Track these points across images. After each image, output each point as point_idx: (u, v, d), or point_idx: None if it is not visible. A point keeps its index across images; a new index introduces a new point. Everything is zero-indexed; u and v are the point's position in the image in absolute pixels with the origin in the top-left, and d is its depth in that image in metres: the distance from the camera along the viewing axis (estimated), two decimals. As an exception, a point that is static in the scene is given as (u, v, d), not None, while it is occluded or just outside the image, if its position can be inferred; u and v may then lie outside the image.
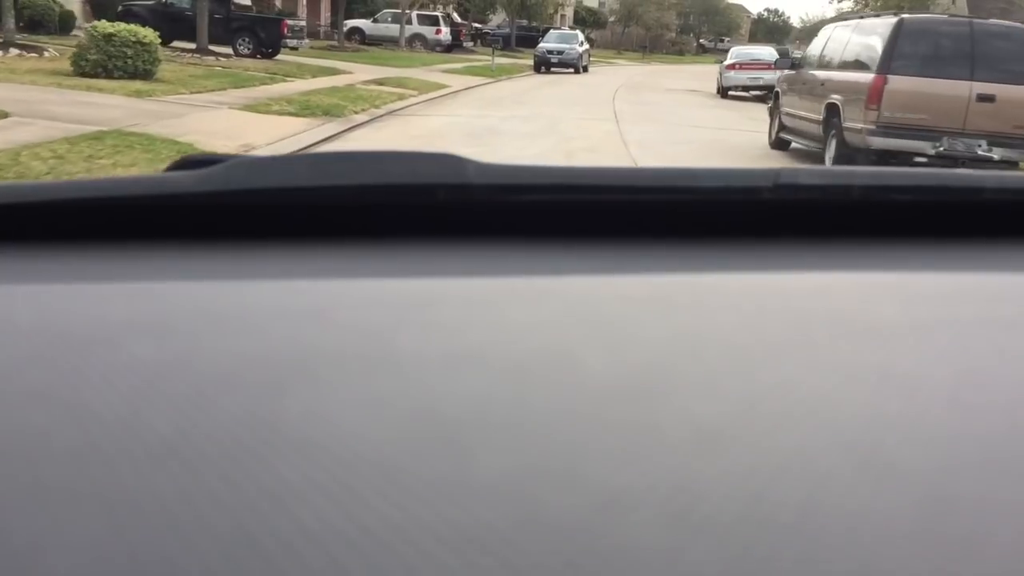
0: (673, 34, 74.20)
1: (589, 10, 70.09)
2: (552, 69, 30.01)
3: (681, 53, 73.41)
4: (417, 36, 35.25)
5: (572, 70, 30.06)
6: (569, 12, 65.49)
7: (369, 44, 33.75)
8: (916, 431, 0.44)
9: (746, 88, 23.80)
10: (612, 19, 67.67)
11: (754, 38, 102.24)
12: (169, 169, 0.83)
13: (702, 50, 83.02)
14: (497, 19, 51.33)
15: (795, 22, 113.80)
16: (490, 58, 27.72)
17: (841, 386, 0.49)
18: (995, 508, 0.38)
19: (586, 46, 32.10)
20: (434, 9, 42.69)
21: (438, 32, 35.86)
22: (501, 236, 0.75)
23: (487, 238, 0.75)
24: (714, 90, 25.01)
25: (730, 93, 23.80)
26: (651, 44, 63.04)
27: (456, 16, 46.78)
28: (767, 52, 24.70)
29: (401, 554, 0.35)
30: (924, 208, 0.79)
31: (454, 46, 37.28)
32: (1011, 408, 0.47)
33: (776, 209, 0.77)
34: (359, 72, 19.45)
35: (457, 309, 0.60)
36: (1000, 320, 0.61)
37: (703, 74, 34.27)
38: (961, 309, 0.63)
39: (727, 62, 24.93)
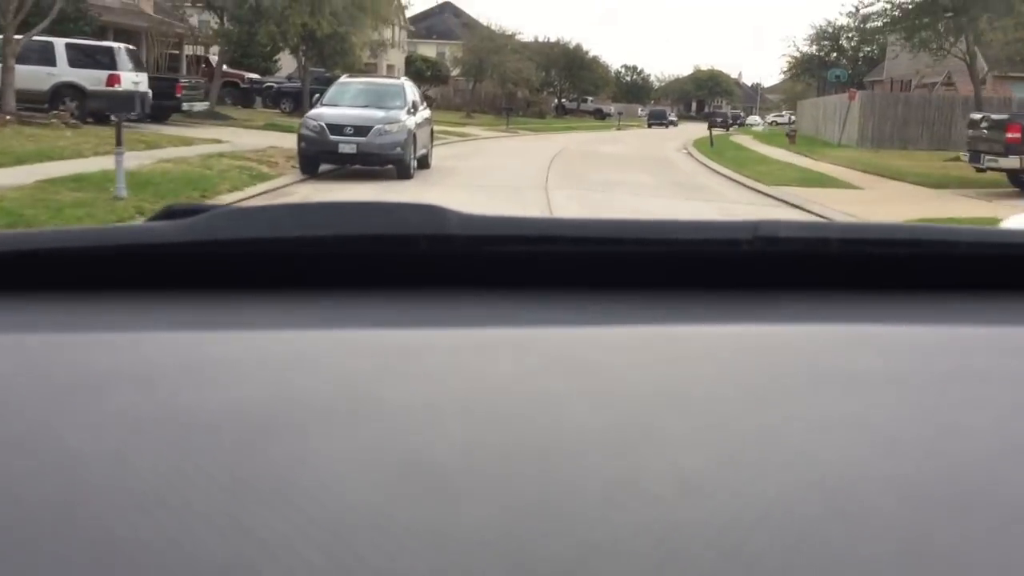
0: (528, 92, 59.84)
1: (427, 60, 54.58)
2: (347, 168, 14.21)
3: (541, 115, 59.28)
4: (66, 89, 18.56)
5: (393, 168, 14.19)
6: (398, 59, 49.58)
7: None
8: (893, 482, 0.44)
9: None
10: (456, 72, 52.19)
11: (616, 99, 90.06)
12: (153, 219, 0.83)
13: (563, 111, 69.30)
14: (291, 66, 34.72)
15: (652, 80, 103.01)
16: (217, 141, 14.17)
17: (820, 437, 0.49)
18: (970, 558, 0.39)
19: (423, 113, 16.10)
20: (179, 48, 26.24)
21: (113, 81, 18.70)
22: (483, 286, 0.76)
23: (469, 288, 0.76)
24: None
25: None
26: (507, 104, 48.01)
27: (214, 59, 30.37)
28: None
29: None
30: (901, 261, 0.81)
31: (167, 109, 20.85)
32: (986, 459, 0.48)
33: (755, 261, 0.78)
34: None
35: (440, 359, 0.60)
36: (975, 372, 0.61)
37: (647, 147, 22.53)
38: (937, 361, 0.64)
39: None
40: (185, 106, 21.72)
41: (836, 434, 0.50)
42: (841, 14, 52.20)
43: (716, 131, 66.53)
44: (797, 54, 56.64)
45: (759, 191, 15.00)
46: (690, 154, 28.09)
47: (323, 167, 14.17)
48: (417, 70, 53.29)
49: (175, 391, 0.54)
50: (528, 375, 0.57)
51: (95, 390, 0.54)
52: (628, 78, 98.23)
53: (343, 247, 0.76)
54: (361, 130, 13.71)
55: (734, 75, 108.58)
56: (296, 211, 0.79)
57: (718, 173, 19.48)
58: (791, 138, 30.31)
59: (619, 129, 54.13)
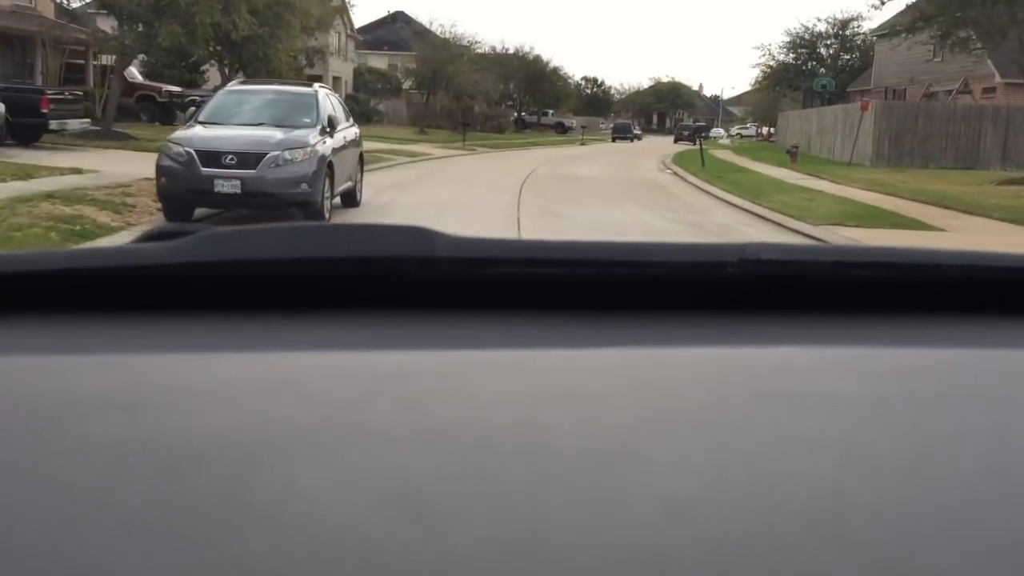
0: (487, 106, 55.86)
1: (376, 72, 50.25)
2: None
3: (500, 129, 55.24)
4: None
5: (298, 211, 9.67)
6: (345, 71, 45.17)
7: None
8: (876, 505, 0.44)
9: None
10: (408, 85, 47.94)
11: (577, 112, 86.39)
12: (140, 240, 0.82)
13: (523, 125, 65.33)
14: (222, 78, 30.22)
15: (613, 92, 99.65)
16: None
17: (804, 460, 0.49)
18: None
19: (346, 131, 11.49)
20: (84, 58, 21.90)
21: None
22: (470, 309, 0.76)
23: (456, 311, 0.76)
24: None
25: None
26: (464, 119, 43.93)
27: (136, 72, 25.94)
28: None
29: None
30: (885, 284, 0.81)
31: (33, 128, 16.39)
32: (969, 483, 0.48)
33: (740, 284, 0.79)
34: None
35: (427, 382, 0.60)
36: (958, 395, 0.62)
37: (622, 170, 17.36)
38: (920, 384, 0.64)
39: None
40: (54, 124, 17.20)
41: (820, 458, 0.50)
42: (821, 20, 48.49)
43: (682, 145, 63.38)
44: (773, 63, 52.94)
45: (809, 235, 10.85)
46: (676, 175, 24.02)
47: (202, 210, 9.85)
48: (366, 83, 48.94)
49: (161, 415, 0.53)
50: (515, 399, 0.57)
51: (81, 413, 0.54)
52: (589, 90, 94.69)
53: (330, 269, 0.76)
54: (248, 159, 9.28)
55: (695, 87, 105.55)
56: (282, 233, 0.79)
57: (731, 204, 15.37)
58: (792, 156, 26.30)
59: (583, 144, 50.55)
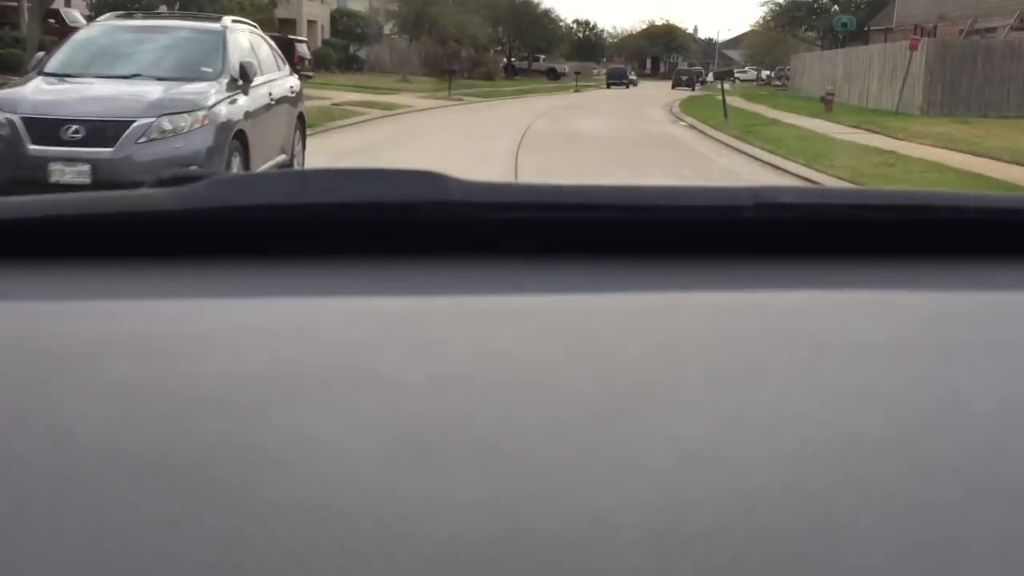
0: (475, 51, 52.12)
1: (355, 15, 46.37)
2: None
3: (489, 76, 51.61)
4: None
5: None
6: (321, 14, 41.37)
7: None
8: (897, 450, 0.44)
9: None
10: (390, 29, 44.17)
11: (569, 57, 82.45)
12: (152, 186, 0.83)
13: (513, 72, 61.57)
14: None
15: (605, 36, 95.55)
16: None
17: (823, 405, 0.49)
18: (976, 527, 0.38)
19: (275, 85, 7.94)
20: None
21: None
22: (484, 254, 0.76)
23: (470, 256, 0.76)
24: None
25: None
26: (450, 65, 40.38)
27: (79, 15, 22.47)
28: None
29: (386, 574, 0.35)
30: (904, 227, 0.81)
31: None
32: (991, 427, 0.47)
33: (757, 228, 0.78)
34: None
35: (440, 327, 0.60)
36: (980, 339, 0.61)
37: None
38: (941, 328, 0.64)
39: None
40: None
41: (838, 402, 0.49)
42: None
43: (681, 91, 59.79)
44: (782, 0, 49.16)
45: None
46: (695, 128, 20.69)
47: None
48: (345, 28, 45.17)
49: (171, 360, 0.53)
50: (528, 343, 0.57)
51: (90, 359, 0.54)
52: (580, 34, 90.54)
53: (342, 214, 0.76)
54: (103, 131, 6.00)
55: (689, 29, 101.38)
56: (294, 178, 0.77)
57: (779, 170, 12.16)
58: (828, 104, 22.91)
59: (577, 91, 47.05)
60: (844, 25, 37.68)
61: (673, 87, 61.41)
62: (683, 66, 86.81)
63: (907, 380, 0.53)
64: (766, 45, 68.71)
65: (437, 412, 0.47)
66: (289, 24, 40.10)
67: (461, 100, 28.11)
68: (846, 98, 27.79)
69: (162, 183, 0.81)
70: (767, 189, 0.79)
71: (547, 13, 61.65)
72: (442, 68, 50.09)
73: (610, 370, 0.53)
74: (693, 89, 60.45)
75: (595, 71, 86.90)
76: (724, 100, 22.44)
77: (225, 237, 0.75)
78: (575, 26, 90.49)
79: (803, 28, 47.29)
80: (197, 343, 0.56)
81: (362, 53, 44.59)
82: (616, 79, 59.92)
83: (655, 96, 44.92)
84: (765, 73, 79.68)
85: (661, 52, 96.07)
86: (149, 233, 0.75)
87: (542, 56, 65.50)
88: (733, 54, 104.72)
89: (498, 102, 29.57)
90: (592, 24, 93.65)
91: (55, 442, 0.43)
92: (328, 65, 39.80)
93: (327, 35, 44.52)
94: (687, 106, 31.00)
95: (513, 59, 62.53)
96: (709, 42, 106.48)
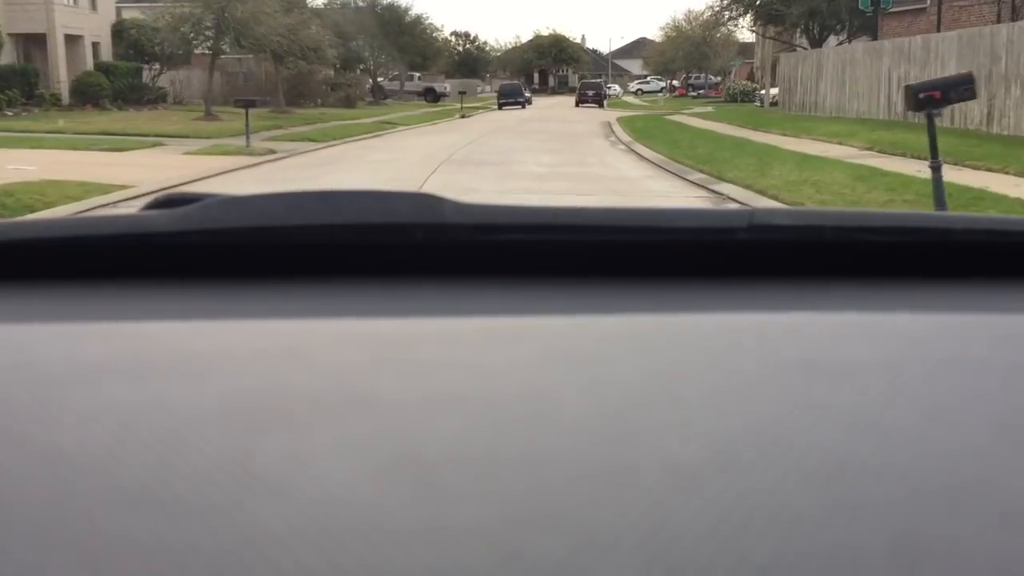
0: (333, 71, 40.29)
1: (142, 27, 33.65)
2: None
3: (349, 103, 40.02)
4: None
5: None
6: (93, 25, 28.73)
7: None
8: (887, 471, 0.44)
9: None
10: (198, 40, 31.44)
11: (449, 73, 71.12)
12: (146, 208, 0.83)
13: (383, 95, 49.94)
14: None
15: (488, 49, 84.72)
16: None
17: (814, 426, 0.49)
18: (965, 548, 0.38)
19: None
20: None
21: None
22: (478, 275, 0.77)
23: (464, 277, 0.76)
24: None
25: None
26: (241, 96, 28.37)
27: None
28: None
29: None
30: (895, 248, 0.81)
31: None
32: (980, 448, 0.47)
33: (750, 249, 0.79)
34: None
35: (435, 349, 0.60)
36: (968, 361, 0.61)
37: None
38: (931, 349, 0.64)
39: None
40: None
41: (830, 423, 0.49)
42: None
43: (588, 108, 49.12)
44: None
45: None
46: (712, 190, 9.36)
47: None
48: (134, 41, 32.45)
49: (166, 382, 0.53)
50: (522, 365, 0.57)
51: (86, 381, 0.54)
52: (461, 47, 79.39)
53: (337, 236, 0.76)
54: None
55: (577, 39, 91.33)
56: (290, 200, 0.78)
57: None
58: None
59: (464, 117, 35.70)
60: (875, 3, 26.98)
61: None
62: (573, 79, 76.80)
63: (897, 401, 0.53)
64: (678, 53, 58.86)
65: (431, 434, 0.47)
66: (36, 40, 27.44)
67: (270, 154, 16.13)
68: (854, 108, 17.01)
69: (156, 205, 0.81)
70: (761, 211, 0.79)
71: (419, 20, 49.97)
72: (302, 93, 38.29)
73: (604, 391, 0.53)
74: (601, 106, 50.15)
75: (480, 89, 75.94)
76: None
77: (220, 259, 0.75)
78: (454, 39, 79.32)
79: (773, 23, 36.52)
80: (192, 365, 0.56)
81: (164, 79, 32.16)
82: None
83: (569, 117, 33.89)
84: (674, 83, 70.31)
85: (550, 65, 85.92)
86: (144, 255, 0.75)
87: (417, 74, 53.86)
88: (627, 64, 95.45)
89: (337, 153, 17.65)
90: (473, 36, 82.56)
91: (50, 464, 0.43)
92: (98, 99, 27.33)
93: (107, 55, 31.91)
94: (639, 132, 19.90)
95: (381, 79, 50.75)
96: (596, 53, 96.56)
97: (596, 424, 0.48)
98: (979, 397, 0.54)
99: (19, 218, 1.15)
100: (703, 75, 61.24)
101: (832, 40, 34.21)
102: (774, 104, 34.49)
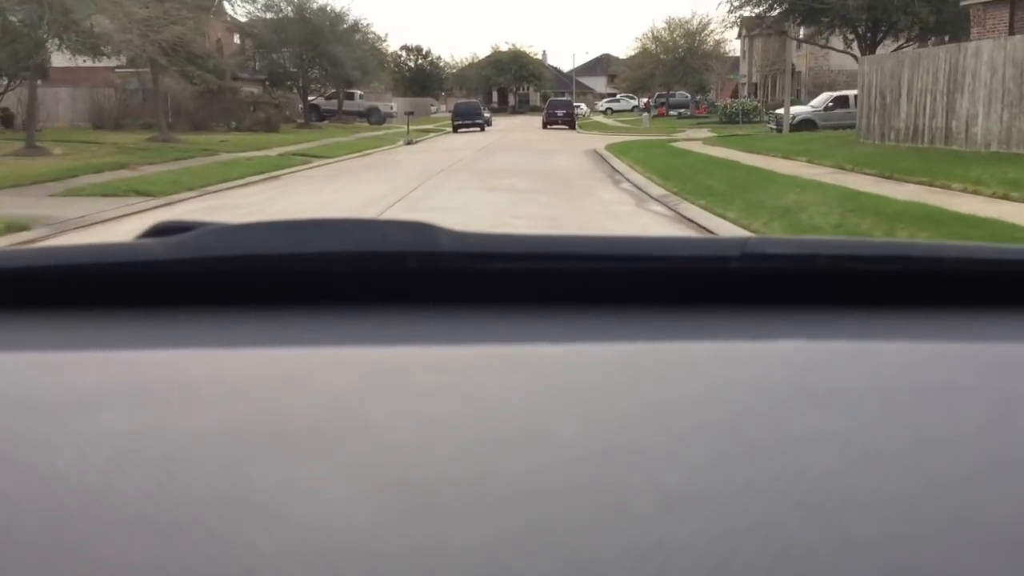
0: (261, 90, 32.78)
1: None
2: None
3: (271, 127, 32.63)
4: None
5: None
6: None
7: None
8: (878, 500, 0.44)
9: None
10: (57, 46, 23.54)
11: (397, 91, 63.72)
12: (142, 236, 0.83)
13: (319, 116, 42.43)
14: None
15: (443, 65, 77.56)
16: None
17: (806, 455, 0.49)
18: (955, 575, 0.39)
19: None
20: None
21: None
22: (472, 303, 0.77)
23: (459, 305, 0.76)
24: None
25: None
26: (197, 110, 20.74)
27: None
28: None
29: None
30: (887, 277, 0.82)
31: None
32: (969, 476, 0.48)
33: (743, 277, 0.79)
34: None
35: (429, 377, 0.60)
36: (959, 389, 0.62)
37: None
38: (922, 378, 0.64)
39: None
40: None
41: (822, 452, 0.50)
42: None
43: (557, 128, 42.07)
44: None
45: None
46: None
47: None
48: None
49: (162, 410, 0.53)
50: (516, 393, 0.58)
51: (82, 409, 0.54)
52: (412, 62, 72.02)
53: (332, 264, 0.76)
54: None
55: (538, 55, 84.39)
56: (285, 228, 0.78)
57: None
58: None
59: (412, 143, 28.51)
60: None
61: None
62: (534, 97, 69.86)
63: (889, 430, 0.53)
64: (640, 71, 52.07)
65: (426, 461, 0.47)
66: None
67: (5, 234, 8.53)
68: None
69: (151, 233, 0.82)
70: (754, 239, 0.80)
71: (356, 26, 42.33)
72: (204, 114, 30.85)
73: (597, 419, 0.53)
74: (573, 128, 43.01)
75: (434, 108, 68.59)
76: None
77: (215, 287, 0.76)
78: (404, 53, 71.93)
79: (795, 20, 29.25)
80: (188, 392, 0.56)
81: (10, 99, 24.39)
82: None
83: (542, 144, 26.64)
84: (643, 101, 63.61)
85: (510, 83, 78.95)
86: (139, 283, 0.75)
87: (359, 92, 46.29)
88: (590, 82, 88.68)
89: (148, 224, 10.12)
90: (426, 51, 75.05)
91: (47, 492, 0.43)
92: None
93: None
94: (668, 176, 12.61)
95: (317, 98, 43.13)
96: (558, 70, 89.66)
97: (589, 451, 0.48)
98: (969, 425, 0.54)
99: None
100: (676, 92, 54.30)
101: (889, 45, 27.08)
102: (801, 127, 27.44)
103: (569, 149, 24.69)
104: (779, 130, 28.38)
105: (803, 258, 0.80)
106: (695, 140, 26.48)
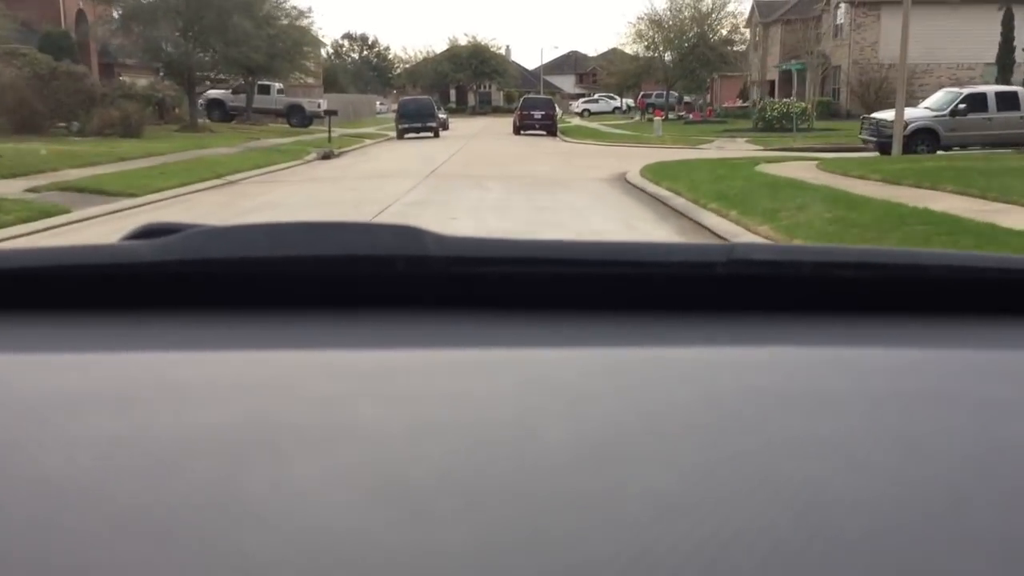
0: (137, 81, 22.46)
1: None
2: None
3: (131, 129, 22.28)
4: None
5: None
6: None
7: None
8: (864, 503, 0.45)
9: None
10: None
11: (335, 86, 53.48)
12: (127, 238, 0.83)
13: (227, 115, 32.29)
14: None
15: (393, 58, 67.39)
16: None
17: (792, 459, 0.50)
18: None
19: None
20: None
21: None
22: (460, 307, 0.77)
23: (446, 309, 0.77)
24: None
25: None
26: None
27: None
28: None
29: None
30: (872, 284, 0.82)
31: None
32: (955, 482, 0.48)
33: (730, 283, 0.80)
34: None
35: (417, 380, 0.61)
36: (944, 395, 0.62)
37: None
38: (908, 384, 0.65)
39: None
40: None
41: (808, 456, 0.50)
42: None
43: (534, 134, 32.59)
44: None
45: None
46: None
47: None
48: None
49: (149, 413, 0.53)
50: (504, 396, 0.58)
51: (69, 411, 0.54)
52: (356, 53, 61.69)
53: (320, 267, 0.76)
54: None
55: (501, 50, 74.41)
56: (272, 231, 0.78)
57: None
58: None
59: (329, 157, 18.73)
60: None
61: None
62: (497, 96, 60.18)
63: (874, 435, 0.54)
64: (631, 67, 42.50)
65: (414, 464, 0.47)
66: None
67: None
68: None
69: (137, 235, 0.81)
70: (741, 246, 0.80)
71: (285, 12, 31.94)
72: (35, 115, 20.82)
73: (585, 422, 0.54)
74: (554, 134, 33.17)
75: (381, 105, 58.27)
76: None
77: (201, 289, 0.75)
78: (347, 43, 61.64)
79: None
80: (176, 395, 0.56)
81: None
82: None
83: (526, 164, 16.85)
84: (627, 103, 54.14)
85: (470, 79, 68.93)
86: (126, 285, 0.75)
87: (276, 85, 35.91)
88: (558, 81, 78.98)
89: None
90: (372, 41, 64.73)
91: (34, 494, 0.43)
92: None
93: None
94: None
95: (216, 91, 32.74)
96: (522, 68, 79.73)
97: (578, 453, 0.49)
98: (952, 429, 0.55)
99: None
100: (655, 93, 44.79)
101: None
102: (914, 141, 17.80)
103: (573, 175, 14.78)
104: (879, 144, 18.59)
105: (789, 265, 0.81)
106: (757, 156, 16.53)
